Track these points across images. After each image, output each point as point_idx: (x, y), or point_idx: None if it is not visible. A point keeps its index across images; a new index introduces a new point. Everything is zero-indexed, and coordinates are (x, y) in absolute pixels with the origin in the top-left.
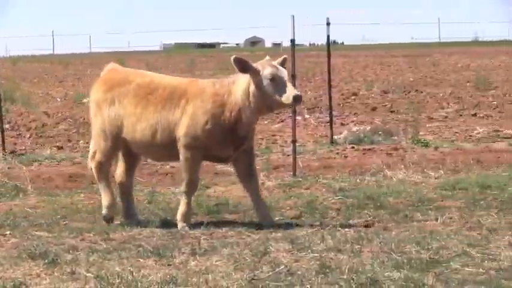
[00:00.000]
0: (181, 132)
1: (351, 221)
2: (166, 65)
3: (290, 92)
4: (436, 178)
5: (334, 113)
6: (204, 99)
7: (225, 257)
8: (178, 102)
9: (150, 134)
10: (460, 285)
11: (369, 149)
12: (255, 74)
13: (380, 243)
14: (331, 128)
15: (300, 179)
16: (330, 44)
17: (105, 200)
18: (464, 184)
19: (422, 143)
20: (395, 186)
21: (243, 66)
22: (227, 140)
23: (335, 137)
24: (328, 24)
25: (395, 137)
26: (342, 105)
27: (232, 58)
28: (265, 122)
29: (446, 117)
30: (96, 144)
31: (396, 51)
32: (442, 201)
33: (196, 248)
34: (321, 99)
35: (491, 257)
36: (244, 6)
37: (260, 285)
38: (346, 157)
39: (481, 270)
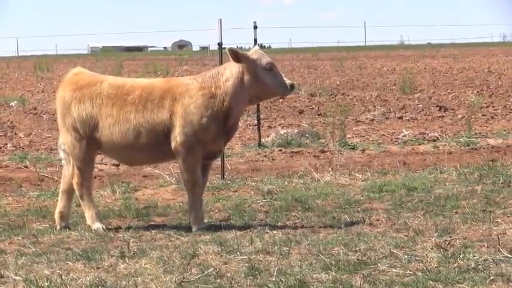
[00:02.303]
0: (176, 133)
1: (279, 223)
2: (94, 68)
3: (286, 81)
4: (363, 180)
5: (261, 116)
6: (192, 95)
7: (154, 260)
8: (162, 103)
9: (133, 137)
10: (387, 287)
11: (297, 152)
12: (251, 63)
13: (308, 245)
14: (259, 130)
15: (229, 182)
16: None
17: (88, 212)
18: (391, 186)
19: (349, 145)
20: (323, 189)
21: (237, 56)
22: (221, 131)
23: (263, 139)
24: (255, 27)
25: (323, 140)
26: (269, 108)
27: (227, 49)
28: None
29: (372, 120)
30: (69, 150)
31: (323, 54)
32: (369, 203)
33: (125, 251)
34: None
35: (417, 258)
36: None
37: None
38: (274, 160)
39: (408, 271)
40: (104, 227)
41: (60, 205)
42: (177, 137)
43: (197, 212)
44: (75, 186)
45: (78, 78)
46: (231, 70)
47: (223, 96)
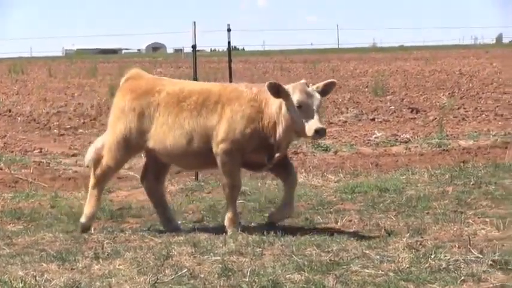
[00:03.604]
0: (219, 137)
1: (252, 224)
2: (68, 70)
3: (313, 123)
4: (335, 182)
5: None
6: (242, 103)
7: (128, 261)
8: (215, 107)
9: (186, 142)
10: (359, 287)
11: None
12: (285, 96)
13: (281, 246)
14: None
15: (202, 184)
16: (230, 50)
17: (88, 208)
18: (363, 187)
19: (322, 147)
20: (296, 190)
21: (277, 91)
22: (263, 146)
23: None
24: (229, 30)
25: (296, 142)
26: None
27: (266, 85)
28: None
29: (345, 122)
30: (111, 151)
31: (296, 57)
32: (342, 204)
33: (99, 252)
34: None
35: (389, 258)
36: (146, 13)
37: None
38: None
39: (380, 271)
40: (88, 225)
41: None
42: (218, 141)
43: (234, 215)
44: (92, 179)
45: (136, 85)
46: None
47: (269, 117)
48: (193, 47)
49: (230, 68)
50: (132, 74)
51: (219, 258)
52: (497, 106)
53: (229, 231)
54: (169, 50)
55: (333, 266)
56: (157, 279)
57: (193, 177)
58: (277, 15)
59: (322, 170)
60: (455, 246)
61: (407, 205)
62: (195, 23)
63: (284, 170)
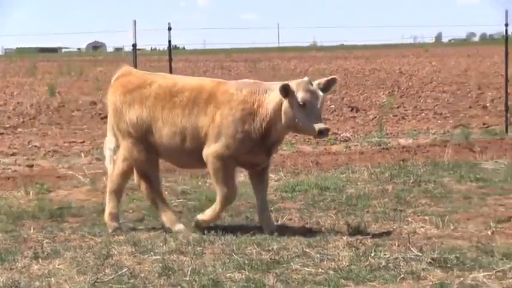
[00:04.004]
0: (209, 141)
1: (193, 223)
2: (7, 69)
3: (317, 123)
4: (276, 180)
5: None
6: (233, 107)
7: (68, 261)
8: (205, 108)
9: (180, 140)
10: (300, 285)
11: None
12: (291, 94)
13: (222, 244)
14: None
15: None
16: (171, 49)
17: (167, 215)
18: (303, 186)
19: None
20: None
21: (287, 92)
22: (257, 148)
23: None
24: (169, 29)
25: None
26: None
27: (278, 88)
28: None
29: None
30: (128, 156)
31: (237, 56)
32: (282, 202)
33: (39, 252)
34: None
35: (329, 257)
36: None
37: None
38: None
39: (320, 270)
40: (185, 228)
41: (109, 206)
42: (209, 146)
43: (214, 217)
44: (145, 194)
45: (126, 80)
46: (275, 94)
47: (263, 117)
48: (134, 45)
49: (171, 66)
50: (123, 71)
51: (159, 257)
52: (437, 105)
53: (194, 224)
54: (110, 49)
55: (273, 264)
56: (97, 278)
57: (133, 176)
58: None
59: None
60: (394, 244)
61: (347, 203)
62: (135, 21)
63: (259, 174)
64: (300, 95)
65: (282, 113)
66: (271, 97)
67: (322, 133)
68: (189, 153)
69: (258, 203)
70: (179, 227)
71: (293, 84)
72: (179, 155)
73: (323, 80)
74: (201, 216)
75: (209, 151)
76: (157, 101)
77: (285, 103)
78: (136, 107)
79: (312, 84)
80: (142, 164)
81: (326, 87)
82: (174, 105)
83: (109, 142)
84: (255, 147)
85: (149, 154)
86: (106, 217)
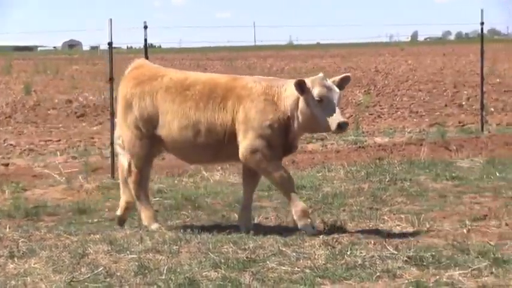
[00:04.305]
0: (240, 140)
1: (169, 222)
2: None
3: (336, 117)
4: None
5: None
6: (253, 99)
7: (44, 260)
8: (224, 103)
9: (192, 135)
10: (276, 284)
11: None
12: (307, 91)
13: (198, 243)
14: None
15: (119, 181)
16: (147, 47)
17: (146, 213)
18: None
19: None
20: (213, 187)
21: (302, 89)
22: (282, 140)
23: None
24: (145, 27)
25: None
26: None
27: (293, 83)
28: (83, 124)
29: None
30: (130, 149)
31: (213, 54)
32: (259, 201)
33: (14, 251)
34: None
35: (306, 255)
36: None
37: (79, 287)
38: (164, 159)
39: (296, 268)
40: (162, 227)
41: (124, 197)
42: (242, 145)
43: (301, 207)
44: (131, 185)
45: (139, 72)
46: (291, 90)
47: (282, 110)
48: (110, 44)
49: None
50: (136, 64)
51: (135, 256)
52: (412, 103)
53: (302, 225)
54: (86, 47)
55: (249, 263)
56: (73, 277)
57: (110, 175)
58: (192, 12)
59: (239, 168)
60: (370, 242)
61: (323, 202)
62: (111, 20)
63: (254, 173)
64: (316, 91)
65: (299, 112)
66: (288, 92)
67: (341, 127)
68: (202, 148)
69: (244, 201)
70: (155, 226)
71: (308, 81)
72: (190, 149)
73: (337, 77)
74: (296, 217)
75: (243, 149)
76: (168, 94)
77: (302, 102)
78: (147, 100)
79: (326, 80)
80: (140, 160)
81: (340, 85)
82: (186, 99)
83: (118, 137)
84: (280, 138)
85: (150, 151)
86: (144, 220)
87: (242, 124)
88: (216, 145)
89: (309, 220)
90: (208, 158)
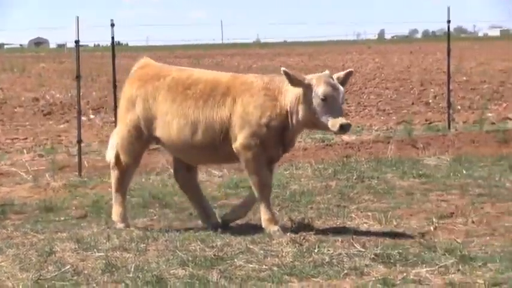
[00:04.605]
0: (236, 134)
1: (136, 220)
2: None
3: (339, 119)
4: (219, 177)
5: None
6: (254, 93)
7: (11, 258)
8: (223, 100)
9: (190, 134)
10: (243, 282)
11: (154, 149)
12: (307, 88)
13: (165, 241)
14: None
15: (86, 179)
16: (114, 45)
17: (116, 209)
18: (247, 182)
19: None
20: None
21: (290, 80)
22: (279, 138)
23: None
24: (112, 25)
25: None
26: None
27: (282, 70)
28: (50, 122)
29: None
30: (124, 144)
31: (180, 52)
32: (226, 199)
33: None
34: (106, 100)
35: (273, 253)
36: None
37: (46, 285)
38: None
39: (264, 266)
40: (129, 227)
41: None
42: (237, 138)
43: (270, 214)
44: (113, 179)
45: (143, 72)
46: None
47: (282, 106)
48: (77, 42)
49: (114, 63)
50: (141, 63)
51: (102, 254)
52: (380, 101)
53: (272, 231)
54: (52, 45)
55: (217, 261)
56: (40, 275)
57: (77, 173)
58: (162, 10)
59: (206, 166)
60: (338, 240)
61: (291, 200)
62: (78, 18)
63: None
64: (321, 90)
65: (300, 107)
66: (289, 87)
67: (344, 128)
68: (201, 148)
69: (249, 196)
70: (121, 225)
71: (313, 78)
72: (190, 149)
73: (341, 74)
74: (264, 224)
75: (237, 144)
76: (169, 93)
77: (304, 98)
78: (150, 101)
79: (332, 79)
80: (130, 158)
81: (344, 81)
82: (186, 98)
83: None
84: (277, 137)
85: (143, 150)
86: (114, 216)
87: (239, 118)
88: (215, 144)
89: (276, 227)
90: (208, 158)
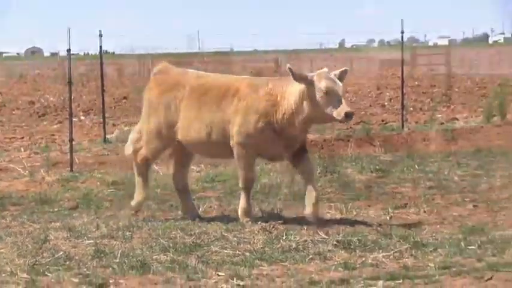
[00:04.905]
0: (234, 129)
1: (122, 211)
2: None
3: (342, 107)
4: (197, 171)
5: (106, 114)
6: (256, 98)
7: (9, 245)
8: (232, 100)
9: (205, 134)
10: (219, 266)
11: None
12: (309, 84)
13: (149, 230)
14: (104, 128)
15: (77, 174)
16: (102, 54)
17: (139, 194)
18: (222, 177)
19: None
20: (162, 179)
21: (294, 76)
22: (278, 139)
23: (108, 136)
24: (100, 35)
25: None
26: (113, 107)
27: (287, 67)
28: (45, 123)
29: None
30: (147, 142)
31: (166, 58)
32: (203, 192)
33: None
34: (95, 103)
35: (246, 240)
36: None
37: (41, 270)
38: (117, 154)
39: (237, 252)
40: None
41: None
42: (233, 134)
43: (247, 205)
44: (136, 166)
45: (163, 80)
46: (295, 86)
47: (284, 109)
48: (68, 51)
49: (102, 70)
50: (160, 68)
51: (92, 241)
52: None
53: (243, 221)
54: (46, 54)
55: (195, 247)
56: (36, 261)
57: (69, 169)
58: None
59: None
60: (304, 228)
61: (261, 192)
62: (69, 29)
63: (299, 159)
64: (323, 84)
65: (305, 104)
66: (292, 89)
67: (349, 116)
68: (216, 147)
69: (307, 192)
70: (136, 205)
71: (314, 75)
72: (207, 149)
73: (337, 71)
74: (240, 212)
75: (234, 141)
76: (188, 100)
77: (307, 95)
78: (172, 108)
79: (330, 74)
80: (151, 153)
81: (340, 77)
82: (202, 104)
83: (136, 130)
84: (274, 139)
85: (163, 149)
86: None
87: (240, 116)
88: (227, 142)
89: (249, 219)
90: (225, 153)
